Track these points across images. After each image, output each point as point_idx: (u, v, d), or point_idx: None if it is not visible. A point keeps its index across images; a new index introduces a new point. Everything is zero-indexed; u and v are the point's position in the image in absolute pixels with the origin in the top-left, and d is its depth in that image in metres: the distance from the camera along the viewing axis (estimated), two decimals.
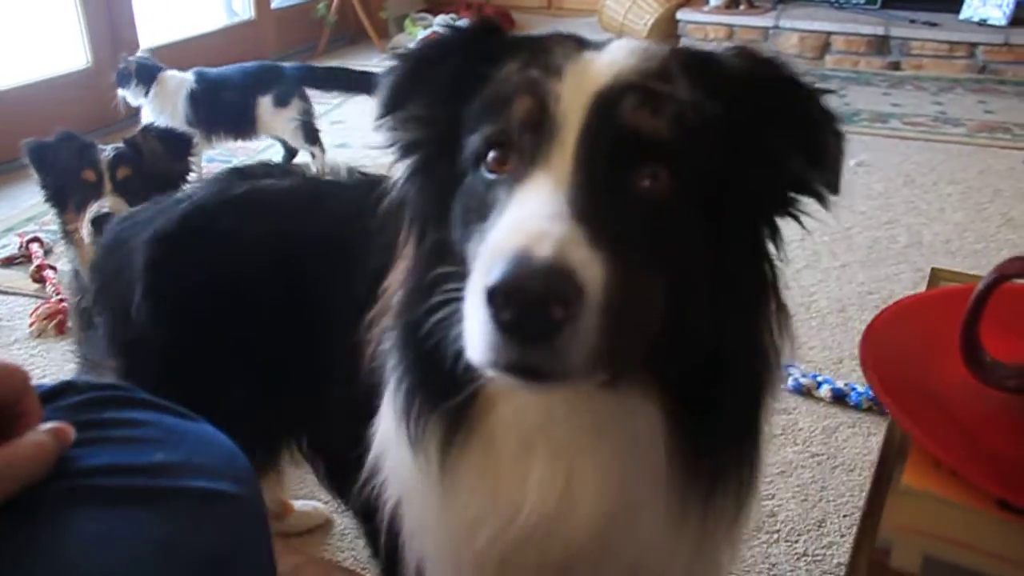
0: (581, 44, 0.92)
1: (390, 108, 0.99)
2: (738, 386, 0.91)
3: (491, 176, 0.87)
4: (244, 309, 1.39)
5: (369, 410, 1.17)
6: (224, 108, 3.85)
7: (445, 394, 0.94)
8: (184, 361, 1.43)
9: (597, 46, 0.93)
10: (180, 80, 3.82)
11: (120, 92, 3.83)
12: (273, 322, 1.39)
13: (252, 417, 1.38)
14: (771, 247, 0.93)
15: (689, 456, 0.91)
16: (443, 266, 0.91)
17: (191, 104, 3.79)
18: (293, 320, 1.37)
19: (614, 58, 0.88)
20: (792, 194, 0.92)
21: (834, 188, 0.88)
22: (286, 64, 4.02)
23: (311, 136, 3.97)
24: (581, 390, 0.85)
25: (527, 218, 0.75)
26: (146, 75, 3.78)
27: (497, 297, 0.70)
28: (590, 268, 0.72)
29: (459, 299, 0.81)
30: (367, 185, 1.44)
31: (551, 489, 0.93)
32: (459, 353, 0.82)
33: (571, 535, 0.95)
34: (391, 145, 1.02)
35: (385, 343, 1.05)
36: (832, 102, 0.89)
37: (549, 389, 0.80)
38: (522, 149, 0.85)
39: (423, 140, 0.99)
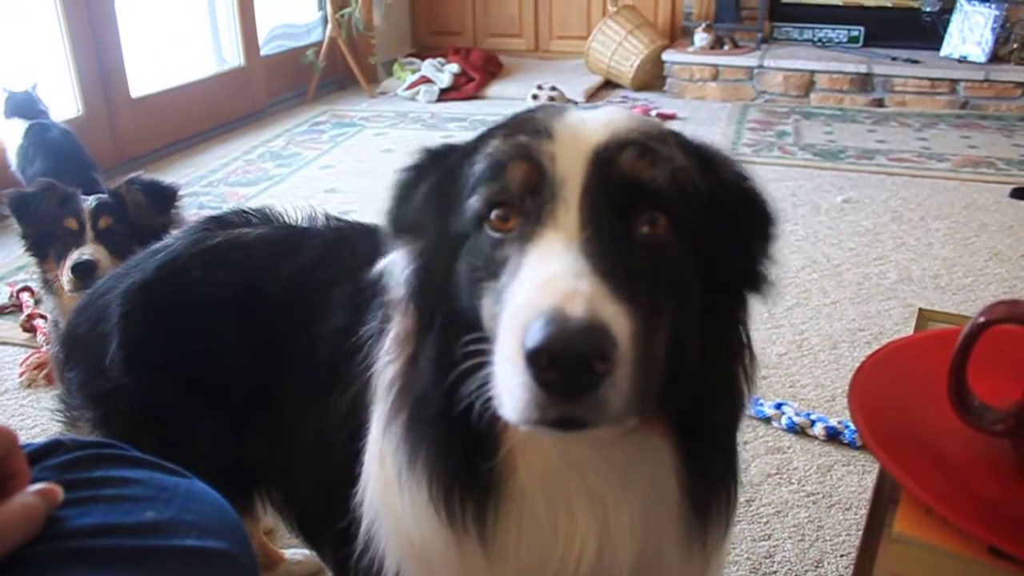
0: (562, 109, 0.95)
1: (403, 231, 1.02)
2: (725, 413, 0.98)
3: (496, 234, 0.89)
4: (214, 358, 1.41)
5: (342, 471, 1.18)
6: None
7: (470, 465, 0.95)
8: (157, 407, 1.44)
9: (585, 110, 0.96)
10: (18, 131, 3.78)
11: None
12: (239, 372, 1.40)
13: (221, 462, 1.39)
14: (742, 311, 1.00)
15: (692, 483, 0.96)
16: (459, 336, 0.92)
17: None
18: (257, 372, 1.39)
19: (611, 118, 0.91)
20: (756, 272, 0.99)
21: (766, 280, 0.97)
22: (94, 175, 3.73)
23: None
24: (609, 434, 0.87)
25: (552, 278, 0.78)
26: (10, 111, 3.82)
27: (540, 359, 0.73)
28: (619, 320, 0.75)
29: (484, 363, 0.84)
30: (340, 232, 1.46)
31: (594, 533, 0.96)
32: (487, 416, 0.86)
33: None
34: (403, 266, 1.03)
35: (378, 420, 1.06)
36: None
37: (586, 435, 0.83)
38: (525, 210, 0.87)
39: (423, 245, 1.01)
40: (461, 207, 0.93)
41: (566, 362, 0.72)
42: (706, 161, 0.96)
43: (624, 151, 0.87)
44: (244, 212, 1.56)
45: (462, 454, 0.95)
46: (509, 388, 0.77)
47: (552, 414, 0.76)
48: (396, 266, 1.03)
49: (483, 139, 0.96)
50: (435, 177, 1.00)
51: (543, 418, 0.76)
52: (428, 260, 0.99)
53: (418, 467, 0.98)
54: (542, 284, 0.78)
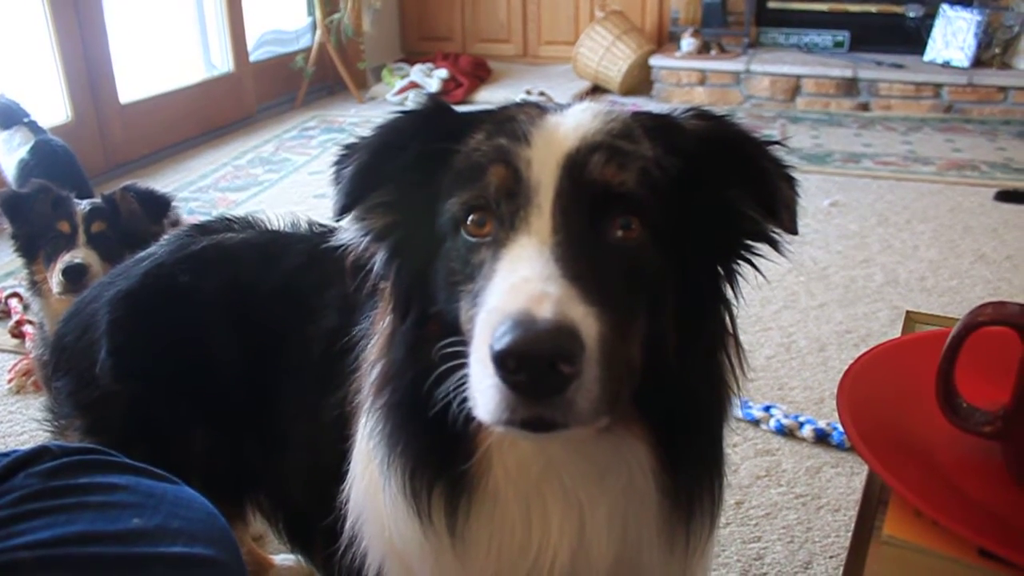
0: (542, 110, 0.95)
1: (354, 201, 0.98)
2: (706, 414, 0.98)
3: (472, 239, 0.90)
4: (203, 362, 1.41)
5: (332, 469, 1.18)
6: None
7: (445, 461, 0.96)
8: (147, 414, 1.44)
9: (559, 110, 0.95)
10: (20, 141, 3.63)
11: None
12: (230, 376, 1.40)
13: (213, 468, 1.40)
14: (729, 290, 0.99)
15: (672, 484, 0.97)
16: (432, 335, 0.93)
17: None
18: (248, 374, 1.39)
19: (579, 121, 0.91)
20: (748, 241, 0.98)
21: (792, 230, 0.93)
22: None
23: None
24: (581, 435, 0.87)
25: (522, 281, 0.79)
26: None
27: (508, 361, 0.74)
28: (587, 322, 0.76)
29: (459, 363, 0.84)
30: (323, 237, 1.46)
31: (568, 533, 0.96)
32: (463, 416, 0.86)
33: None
34: (363, 235, 1.02)
35: (364, 417, 1.06)
36: (782, 153, 0.95)
37: (558, 437, 0.83)
38: (501, 214, 0.88)
39: (396, 223, 1.00)
40: (441, 204, 0.93)
41: (533, 364, 0.74)
42: (671, 133, 0.94)
43: (593, 156, 0.88)
44: (227, 219, 1.57)
45: (436, 451, 0.96)
46: (481, 389, 0.79)
47: (522, 415, 0.77)
48: (356, 230, 1.02)
49: (471, 125, 0.96)
50: (420, 148, 0.97)
51: (513, 419, 0.78)
52: (404, 247, 0.99)
53: (395, 461, 0.98)
54: (512, 287, 0.79)
